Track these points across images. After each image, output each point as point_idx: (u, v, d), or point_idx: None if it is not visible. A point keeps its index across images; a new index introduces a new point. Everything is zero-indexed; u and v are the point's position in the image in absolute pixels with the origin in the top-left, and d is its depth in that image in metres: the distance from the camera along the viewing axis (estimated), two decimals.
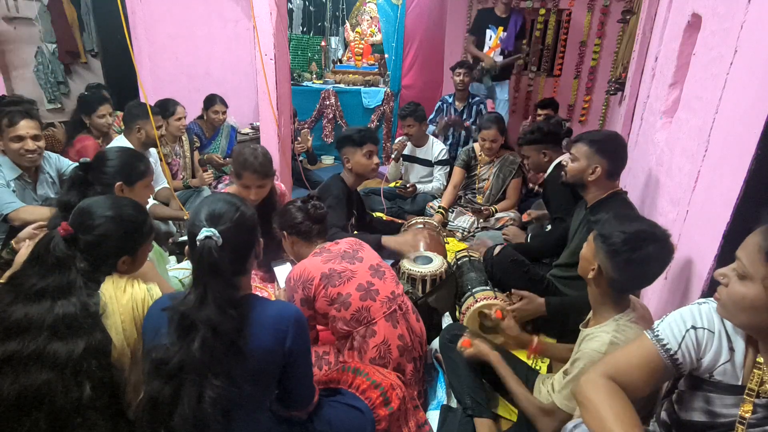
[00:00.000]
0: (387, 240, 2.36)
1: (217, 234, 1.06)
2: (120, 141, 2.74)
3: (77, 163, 1.66)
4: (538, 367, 1.91)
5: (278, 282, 2.20)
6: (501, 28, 4.33)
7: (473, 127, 4.10)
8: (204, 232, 1.05)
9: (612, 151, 1.97)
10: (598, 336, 1.29)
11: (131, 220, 1.29)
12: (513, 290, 2.02)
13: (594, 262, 1.31)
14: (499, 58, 4.37)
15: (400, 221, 3.19)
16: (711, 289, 1.17)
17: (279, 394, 1.23)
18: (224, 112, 3.79)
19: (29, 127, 2.15)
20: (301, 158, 4.05)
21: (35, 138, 2.18)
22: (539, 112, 4.38)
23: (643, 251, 1.22)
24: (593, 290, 1.36)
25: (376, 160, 2.47)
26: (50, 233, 1.19)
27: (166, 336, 1.05)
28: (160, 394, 1.02)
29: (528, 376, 1.68)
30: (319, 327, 1.83)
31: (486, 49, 4.44)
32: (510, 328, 1.72)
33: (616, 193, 2.00)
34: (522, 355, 1.84)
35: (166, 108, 3.14)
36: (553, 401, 1.39)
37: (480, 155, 3.46)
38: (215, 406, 1.01)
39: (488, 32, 4.42)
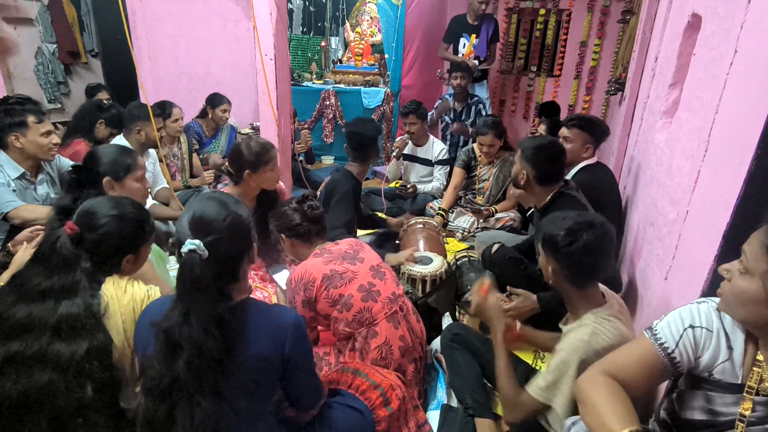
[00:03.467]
0: (389, 259, 2.38)
1: (202, 247, 0.99)
2: (119, 142, 2.74)
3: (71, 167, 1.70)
4: (538, 367, 1.91)
5: (279, 286, 2.20)
6: (474, 36, 4.43)
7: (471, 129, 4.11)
8: (188, 245, 0.98)
9: (536, 158, 2.01)
10: (580, 328, 1.32)
11: (134, 218, 1.29)
12: (509, 288, 2.01)
13: (548, 267, 1.38)
14: (474, 64, 4.45)
15: (395, 220, 3.18)
16: (711, 289, 1.17)
17: (285, 397, 1.23)
18: (229, 111, 3.80)
19: (50, 122, 2.25)
20: (300, 158, 4.05)
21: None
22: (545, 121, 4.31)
23: (581, 241, 1.28)
24: (564, 293, 1.41)
25: None
26: (55, 233, 1.19)
27: (154, 354, 1.01)
28: (155, 414, 1.00)
29: (528, 376, 1.67)
30: (319, 328, 1.83)
31: (459, 56, 4.54)
32: (494, 307, 1.57)
33: (560, 193, 2.03)
34: (523, 356, 1.85)
35: (163, 109, 3.14)
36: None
37: (480, 156, 3.46)
38: (206, 428, 0.98)
39: (462, 40, 4.53)
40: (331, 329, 1.70)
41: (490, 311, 1.56)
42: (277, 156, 2.21)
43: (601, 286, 1.47)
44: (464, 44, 4.51)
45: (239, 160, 2.13)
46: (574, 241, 1.29)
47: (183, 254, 0.99)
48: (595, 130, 2.52)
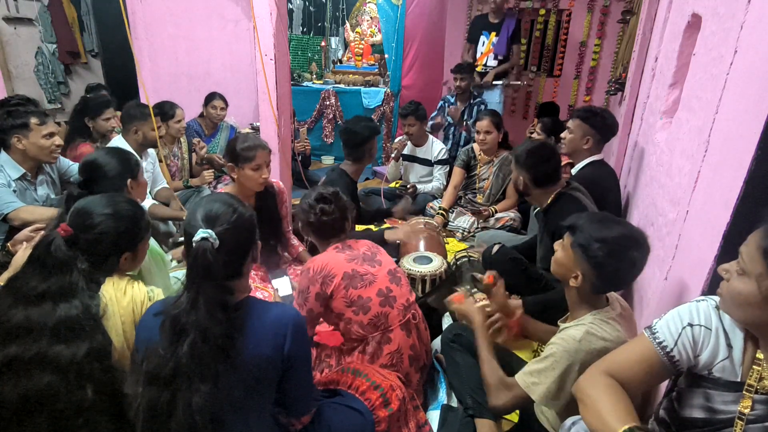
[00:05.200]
0: (389, 234, 2.39)
1: (214, 236, 1.04)
2: (118, 141, 2.74)
3: (77, 175, 1.74)
4: None
5: (278, 294, 2.20)
6: (494, 34, 4.44)
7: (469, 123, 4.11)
8: (200, 234, 1.04)
9: (529, 162, 2.05)
10: (576, 326, 1.32)
11: (129, 215, 1.29)
12: (483, 283, 1.95)
13: (575, 270, 1.32)
14: (493, 63, 4.46)
15: (401, 222, 3.18)
16: (711, 289, 1.17)
17: (277, 399, 1.22)
18: (223, 108, 3.81)
19: (54, 125, 2.25)
20: (299, 158, 4.06)
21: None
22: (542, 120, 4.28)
23: (628, 258, 1.25)
24: (573, 293, 1.38)
25: None
26: (49, 235, 1.19)
27: (159, 342, 1.03)
28: (158, 401, 1.01)
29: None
30: (320, 329, 1.82)
31: (479, 55, 4.54)
32: (469, 306, 1.75)
33: (561, 194, 2.05)
34: (522, 354, 1.84)
35: (166, 111, 3.14)
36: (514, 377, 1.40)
37: (479, 155, 3.45)
38: (203, 414, 1.00)
39: (481, 38, 4.52)
40: (342, 329, 1.68)
41: (465, 311, 1.73)
42: (265, 158, 2.15)
43: None
44: (483, 42, 4.51)
45: (228, 149, 2.18)
46: (622, 258, 1.25)
47: (194, 243, 1.03)
48: (596, 122, 2.43)
